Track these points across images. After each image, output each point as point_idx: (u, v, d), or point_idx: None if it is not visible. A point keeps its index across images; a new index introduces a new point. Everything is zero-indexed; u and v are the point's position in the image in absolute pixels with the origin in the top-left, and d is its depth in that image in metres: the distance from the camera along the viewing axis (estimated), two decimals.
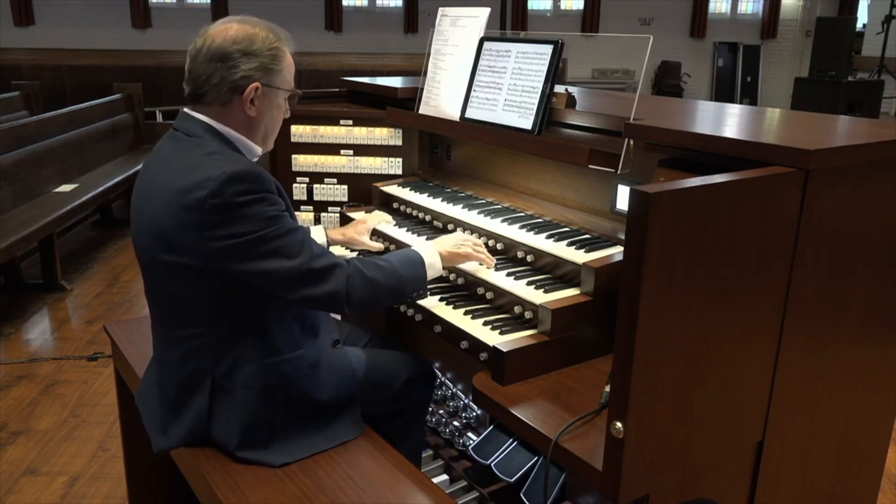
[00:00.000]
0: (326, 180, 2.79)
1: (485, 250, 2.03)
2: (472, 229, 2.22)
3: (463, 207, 2.34)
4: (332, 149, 2.77)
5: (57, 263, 4.73)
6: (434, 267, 1.90)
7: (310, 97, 2.94)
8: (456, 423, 2.47)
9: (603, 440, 1.37)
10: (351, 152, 2.77)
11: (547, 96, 2.13)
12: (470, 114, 2.36)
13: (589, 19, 13.16)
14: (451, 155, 2.72)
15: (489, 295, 1.96)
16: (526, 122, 2.16)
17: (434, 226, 2.40)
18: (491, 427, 1.84)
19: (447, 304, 1.96)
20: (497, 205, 2.36)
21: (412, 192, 2.56)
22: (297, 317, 1.78)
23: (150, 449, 1.82)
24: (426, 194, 2.51)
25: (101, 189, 5.27)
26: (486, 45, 2.35)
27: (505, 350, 1.69)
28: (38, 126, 5.24)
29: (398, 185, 2.65)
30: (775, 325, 1.53)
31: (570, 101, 2.20)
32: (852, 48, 10.10)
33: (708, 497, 1.57)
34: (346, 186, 2.79)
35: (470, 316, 1.88)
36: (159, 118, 8.93)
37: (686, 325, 1.35)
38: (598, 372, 1.75)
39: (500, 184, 2.51)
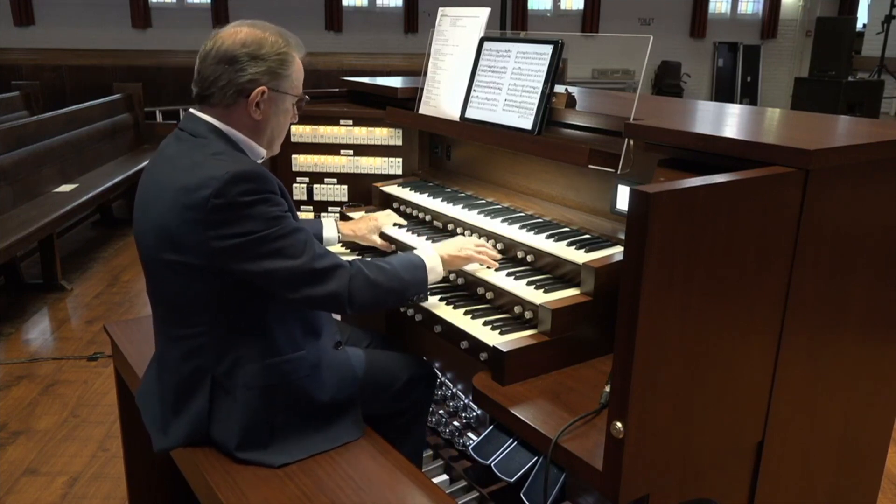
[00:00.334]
0: (326, 180, 2.79)
1: (490, 250, 2.03)
2: (472, 229, 2.22)
3: (463, 207, 2.34)
4: (332, 149, 2.77)
5: (57, 263, 4.73)
6: (435, 271, 1.91)
7: (310, 97, 2.94)
8: (456, 423, 2.47)
9: (603, 440, 1.37)
10: (351, 152, 2.77)
11: (547, 96, 2.13)
12: (470, 114, 2.36)
13: (589, 19, 13.16)
14: (451, 155, 2.72)
15: (489, 295, 1.96)
16: (526, 122, 2.16)
17: (434, 226, 2.40)
18: (491, 427, 1.84)
19: (447, 303, 1.96)
20: (497, 205, 2.36)
21: (412, 192, 2.56)
22: (298, 318, 1.78)
23: (150, 449, 1.82)
24: (426, 194, 2.51)
25: (101, 189, 5.27)
26: (486, 45, 2.35)
27: (505, 350, 1.69)
28: (38, 126, 5.24)
29: (398, 185, 2.65)
30: (775, 325, 1.53)
31: (570, 101, 2.20)
32: (852, 48, 10.09)
33: (708, 497, 1.57)
34: (346, 186, 2.79)
35: (470, 316, 1.88)
36: (159, 118, 8.94)
37: (686, 325, 1.35)
38: (598, 372, 1.75)
39: (500, 184, 2.51)
